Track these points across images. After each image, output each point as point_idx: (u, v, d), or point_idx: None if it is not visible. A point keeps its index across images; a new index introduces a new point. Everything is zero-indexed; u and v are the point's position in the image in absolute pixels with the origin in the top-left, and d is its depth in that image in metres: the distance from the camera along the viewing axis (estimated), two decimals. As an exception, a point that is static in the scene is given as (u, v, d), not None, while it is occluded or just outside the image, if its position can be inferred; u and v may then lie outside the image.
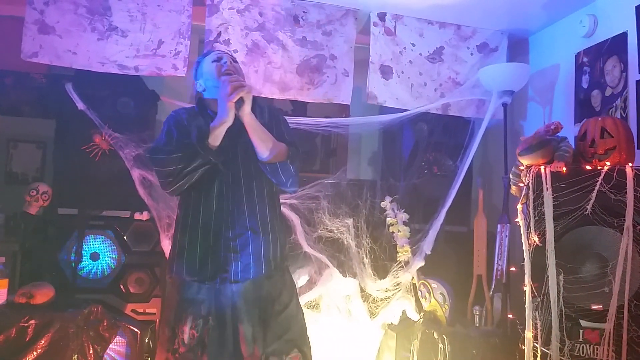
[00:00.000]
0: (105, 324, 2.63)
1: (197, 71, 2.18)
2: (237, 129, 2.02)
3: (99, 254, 3.03)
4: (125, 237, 3.07)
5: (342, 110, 3.61)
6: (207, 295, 1.97)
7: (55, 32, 2.92)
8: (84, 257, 2.99)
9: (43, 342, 2.47)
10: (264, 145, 2.02)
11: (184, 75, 3.09)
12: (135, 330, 2.75)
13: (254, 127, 2.00)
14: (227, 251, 1.98)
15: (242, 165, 2.05)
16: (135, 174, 2.86)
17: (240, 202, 2.02)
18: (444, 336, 2.65)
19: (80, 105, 2.88)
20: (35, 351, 2.45)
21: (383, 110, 3.47)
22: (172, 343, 1.94)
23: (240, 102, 1.96)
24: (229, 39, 3.16)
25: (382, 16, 3.40)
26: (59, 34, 2.92)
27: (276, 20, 3.25)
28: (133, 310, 3.01)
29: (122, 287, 3.03)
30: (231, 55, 2.20)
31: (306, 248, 2.90)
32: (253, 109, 2.02)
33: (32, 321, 2.49)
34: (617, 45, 2.94)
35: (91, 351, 2.56)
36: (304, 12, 3.29)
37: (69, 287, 2.90)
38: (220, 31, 3.15)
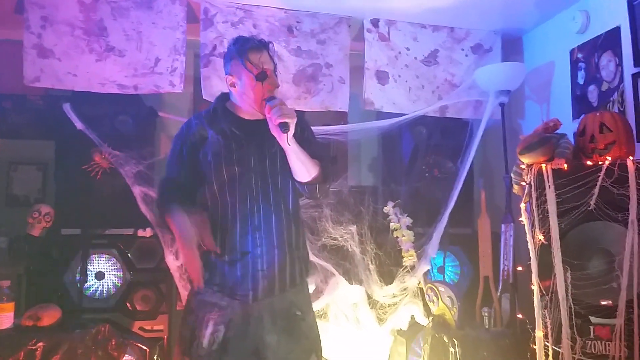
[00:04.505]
0: (113, 343, 2.62)
1: (229, 64, 2.01)
2: (265, 144, 1.98)
3: (103, 273, 3.02)
4: (129, 255, 3.07)
5: (340, 117, 3.61)
6: (231, 303, 1.93)
7: (54, 56, 2.93)
8: (89, 277, 2.98)
9: (52, 364, 2.46)
10: (305, 170, 1.95)
11: (181, 91, 3.11)
12: (144, 348, 2.74)
13: (297, 152, 1.91)
14: (254, 268, 1.94)
15: (271, 181, 1.98)
16: (137, 190, 2.85)
17: (269, 218, 1.96)
18: (454, 339, 2.64)
19: (79, 125, 2.89)
20: (45, 374, 2.44)
21: (381, 115, 3.47)
22: (190, 345, 1.91)
23: (284, 127, 1.84)
24: (224, 51, 3.16)
25: (375, 22, 3.42)
26: (58, 57, 2.94)
27: (270, 31, 3.26)
28: (140, 328, 3.00)
29: (128, 305, 3.02)
30: (272, 56, 2.01)
31: (311, 257, 2.85)
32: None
33: (40, 343, 2.48)
34: (611, 40, 2.95)
35: (100, 371, 2.55)
36: (297, 22, 3.31)
37: (76, 308, 2.89)
38: (216, 44, 3.16)
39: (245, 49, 1.96)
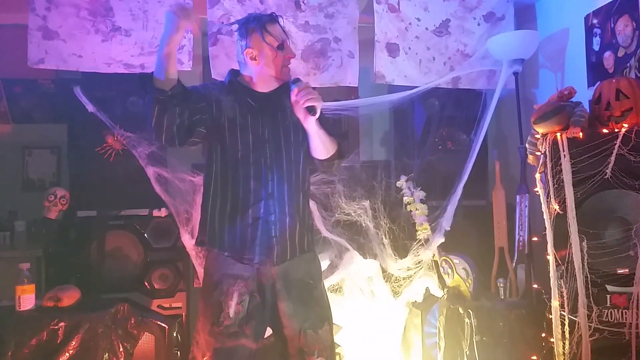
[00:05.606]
0: (132, 322, 2.67)
1: (249, 38, 2.05)
2: (279, 116, 2.06)
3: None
4: (145, 235, 3.10)
5: (351, 92, 3.58)
6: (251, 273, 2.01)
7: (60, 37, 2.92)
8: (107, 257, 3.01)
9: (74, 343, 2.53)
10: (324, 149, 2.06)
11: (190, 69, 3.09)
12: (163, 325, 2.79)
13: (320, 134, 2.02)
14: (267, 234, 2.01)
15: (284, 152, 2.06)
16: (150, 171, 2.87)
17: (282, 187, 2.04)
18: (470, 310, 2.64)
19: (90, 108, 2.88)
20: (67, 352, 2.51)
21: (392, 89, 3.43)
22: (218, 316, 1.98)
23: (312, 110, 1.92)
24: (231, 29, 3.13)
25: (384, -7, 3.35)
26: (63, 38, 2.93)
27: (277, 7, 3.21)
28: (159, 306, 3.05)
29: (146, 284, 3.06)
30: (283, 28, 2.10)
31: (325, 233, 2.90)
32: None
33: (62, 323, 2.54)
34: (627, 4, 2.86)
35: (121, 349, 2.61)
36: (305, -5, 3.25)
37: (94, 288, 2.94)
38: (223, 22, 3.13)
39: (263, 23, 2.04)
